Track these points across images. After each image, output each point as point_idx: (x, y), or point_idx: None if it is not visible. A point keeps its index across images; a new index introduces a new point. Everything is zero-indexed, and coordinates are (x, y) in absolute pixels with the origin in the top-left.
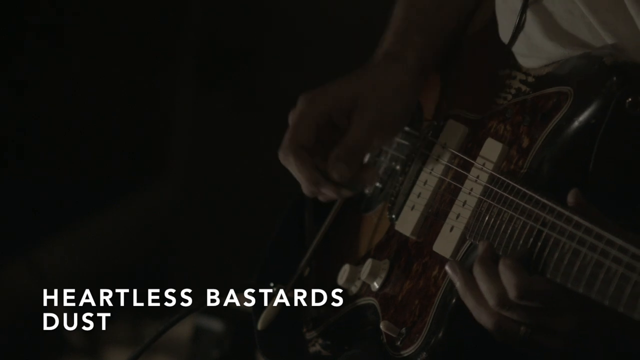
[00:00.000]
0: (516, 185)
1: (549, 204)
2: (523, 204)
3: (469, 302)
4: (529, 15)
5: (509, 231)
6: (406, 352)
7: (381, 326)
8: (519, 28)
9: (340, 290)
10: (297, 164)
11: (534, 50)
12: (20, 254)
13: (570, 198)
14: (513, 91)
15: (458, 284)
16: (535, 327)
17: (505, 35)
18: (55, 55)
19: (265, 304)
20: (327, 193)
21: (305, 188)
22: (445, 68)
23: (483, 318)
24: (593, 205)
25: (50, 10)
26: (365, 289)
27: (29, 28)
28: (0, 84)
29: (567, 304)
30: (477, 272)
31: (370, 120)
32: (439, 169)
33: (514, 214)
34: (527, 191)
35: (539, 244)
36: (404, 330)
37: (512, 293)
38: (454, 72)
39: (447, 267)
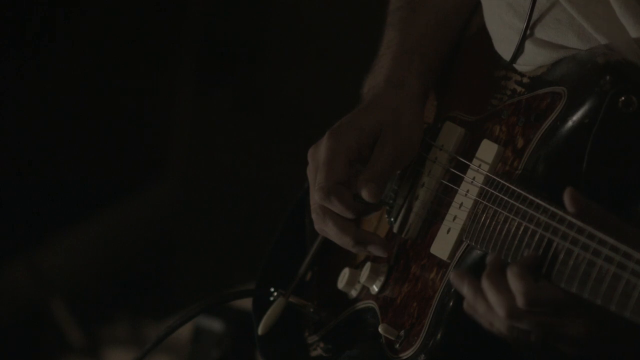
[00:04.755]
0: (511, 186)
1: (543, 204)
2: (518, 204)
3: (479, 310)
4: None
5: (503, 232)
6: (405, 355)
7: (380, 329)
8: (520, 50)
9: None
10: (339, 201)
11: (529, 59)
12: (20, 254)
13: (567, 200)
14: (509, 92)
15: (466, 292)
16: (546, 333)
17: (500, 47)
18: (55, 55)
19: (266, 309)
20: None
21: (345, 227)
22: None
23: (495, 327)
24: (592, 201)
25: (50, 10)
26: (365, 292)
27: (29, 28)
28: (0, 83)
29: (575, 308)
30: (485, 284)
31: (392, 150)
32: (436, 171)
33: (508, 214)
34: (521, 192)
35: (533, 244)
36: (402, 332)
37: (520, 301)
38: (450, 74)
39: (452, 278)
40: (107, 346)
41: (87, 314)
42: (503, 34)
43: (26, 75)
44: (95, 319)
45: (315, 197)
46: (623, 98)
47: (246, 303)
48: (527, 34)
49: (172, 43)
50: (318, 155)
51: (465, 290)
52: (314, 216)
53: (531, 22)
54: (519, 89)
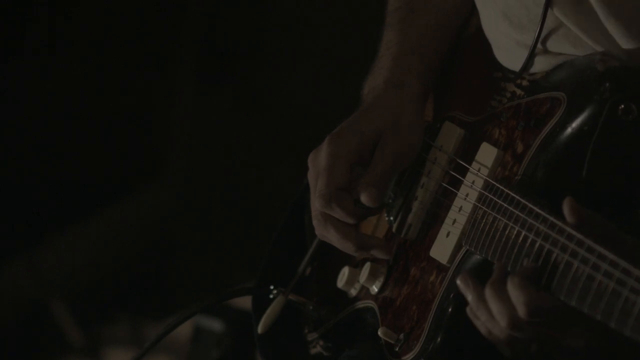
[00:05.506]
0: (510, 192)
1: (542, 213)
2: (517, 212)
3: (481, 317)
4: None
5: (503, 240)
6: (405, 358)
7: (379, 333)
8: (529, 63)
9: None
10: (340, 207)
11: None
12: (20, 254)
13: (566, 210)
14: (508, 94)
15: (470, 298)
16: (545, 344)
17: (498, 54)
18: (55, 54)
19: (266, 307)
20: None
21: (347, 233)
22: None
23: (493, 335)
24: (591, 212)
25: (49, 11)
26: (365, 292)
27: (29, 28)
28: (0, 84)
29: (575, 321)
30: (488, 293)
31: (393, 152)
32: (435, 172)
33: (508, 222)
34: (520, 199)
35: (532, 254)
36: (402, 336)
37: (521, 311)
38: (450, 74)
39: (458, 281)
40: (107, 346)
41: (87, 314)
42: (500, 41)
43: (26, 75)
44: (95, 319)
45: (316, 204)
46: (622, 106)
47: (246, 303)
48: (535, 48)
49: (172, 43)
50: (318, 161)
51: (470, 296)
52: (315, 222)
53: (527, 34)
54: (518, 91)
